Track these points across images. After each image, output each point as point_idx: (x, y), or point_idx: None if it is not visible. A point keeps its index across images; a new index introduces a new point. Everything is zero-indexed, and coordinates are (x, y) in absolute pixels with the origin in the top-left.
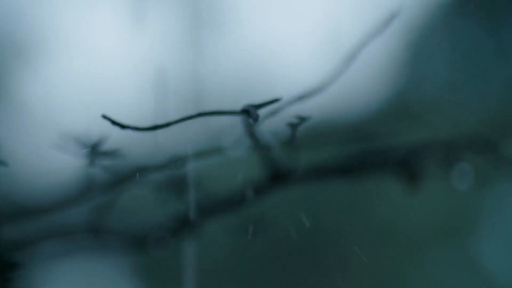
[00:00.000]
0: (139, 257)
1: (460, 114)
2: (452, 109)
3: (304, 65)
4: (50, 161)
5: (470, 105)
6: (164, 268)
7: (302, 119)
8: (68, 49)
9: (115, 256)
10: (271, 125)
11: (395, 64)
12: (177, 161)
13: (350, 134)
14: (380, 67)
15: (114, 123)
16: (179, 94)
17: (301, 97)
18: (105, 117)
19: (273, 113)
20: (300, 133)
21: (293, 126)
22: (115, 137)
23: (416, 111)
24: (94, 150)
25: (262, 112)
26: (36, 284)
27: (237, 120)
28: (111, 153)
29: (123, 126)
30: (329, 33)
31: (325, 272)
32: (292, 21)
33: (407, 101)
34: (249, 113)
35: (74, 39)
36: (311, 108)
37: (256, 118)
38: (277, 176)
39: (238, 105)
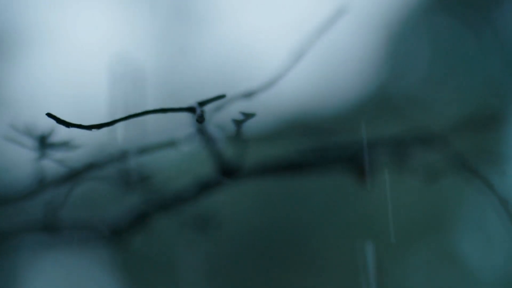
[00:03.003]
0: (91, 252)
1: (440, 109)
2: (431, 104)
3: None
4: (5, 154)
5: (449, 100)
6: (116, 263)
7: (247, 116)
8: (48, 43)
9: (69, 251)
10: (221, 121)
11: (375, 59)
12: (129, 155)
13: (306, 130)
14: (360, 62)
15: (59, 121)
16: (157, 89)
17: (248, 94)
18: (49, 115)
19: (220, 109)
20: (262, 128)
21: (237, 122)
22: (68, 130)
23: (396, 105)
24: (43, 142)
25: (208, 108)
26: None
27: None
28: (62, 145)
29: (68, 124)
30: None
31: (286, 269)
32: (271, 15)
33: (387, 96)
34: (194, 110)
35: (55, 33)
36: (287, 102)
37: (201, 116)
38: (226, 172)
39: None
